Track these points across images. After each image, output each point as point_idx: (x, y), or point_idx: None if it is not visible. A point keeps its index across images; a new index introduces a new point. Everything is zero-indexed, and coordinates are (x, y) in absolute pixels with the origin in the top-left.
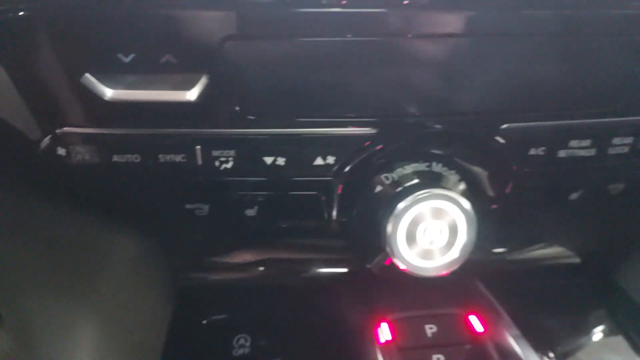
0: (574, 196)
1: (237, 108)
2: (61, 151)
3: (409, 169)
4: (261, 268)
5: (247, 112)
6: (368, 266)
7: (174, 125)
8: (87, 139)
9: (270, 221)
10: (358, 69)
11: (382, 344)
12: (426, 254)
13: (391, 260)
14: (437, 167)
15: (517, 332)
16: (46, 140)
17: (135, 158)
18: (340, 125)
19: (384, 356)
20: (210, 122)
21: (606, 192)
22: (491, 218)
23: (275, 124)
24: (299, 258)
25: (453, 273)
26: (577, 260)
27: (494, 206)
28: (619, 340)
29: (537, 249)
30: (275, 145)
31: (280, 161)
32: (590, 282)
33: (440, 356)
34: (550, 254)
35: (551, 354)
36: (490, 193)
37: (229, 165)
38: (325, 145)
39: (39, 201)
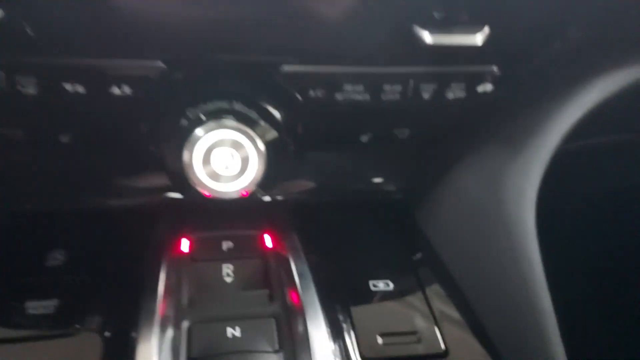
0: (364, 138)
1: (32, 35)
2: None
3: (211, 106)
4: (82, 193)
5: (41, 39)
6: (181, 196)
7: None
8: None
9: (85, 148)
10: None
11: (177, 255)
12: (219, 178)
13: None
14: (237, 106)
15: (298, 246)
16: None
17: None
18: (130, 56)
19: (178, 265)
20: (7, 48)
21: (394, 135)
22: (290, 154)
23: (68, 52)
24: (118, 185)
25: (260, 202)
26: (381, 197)
27: (294, 145)
28: (400, 268)
29: (343, 186)
30: (72, 72)
31: (80, 89)
32: (391, 218)
33: (230, 265)
34: (356, 191)
35: (328, 267)
36: (286, 132)
37: (33, 91)
38: (118, 75)
39: None
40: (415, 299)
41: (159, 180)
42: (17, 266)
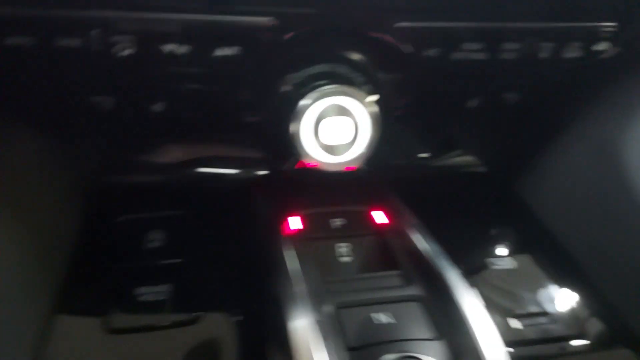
0: (471, 103)
1: None
2: None
3: (314, 69)
4: (173, 167)
5: None
6: (281, 169)
7: (68, 5)
8: None
9: (179, 118)
10: None
11: (289, 233)
12: (331, 150)
13: (302, 162)
14: (342, 69)
15: (415, 222)
16: None
17: (29, 41)
18: (241, 14)
19: (290, 244)
20: (106, 3)
21: (502, 101)
22: (396, 123)
23: (173, 8)
24: (212, 159)
25: (363, 176)
26: (481, 169)
27: (398, 112)
28: (511, 245)
29: (443, 156)
30: (174, 31)
31: (181, 49)
32: (493, 191)
33: (345, 244)
34: (455, 162)
35: (447, 245)
36: (394, 97)
37: (128, 52)
38: (227, 34)
39: None
40: (539, 278)
41: (256, 152)
42: (114, 249)
